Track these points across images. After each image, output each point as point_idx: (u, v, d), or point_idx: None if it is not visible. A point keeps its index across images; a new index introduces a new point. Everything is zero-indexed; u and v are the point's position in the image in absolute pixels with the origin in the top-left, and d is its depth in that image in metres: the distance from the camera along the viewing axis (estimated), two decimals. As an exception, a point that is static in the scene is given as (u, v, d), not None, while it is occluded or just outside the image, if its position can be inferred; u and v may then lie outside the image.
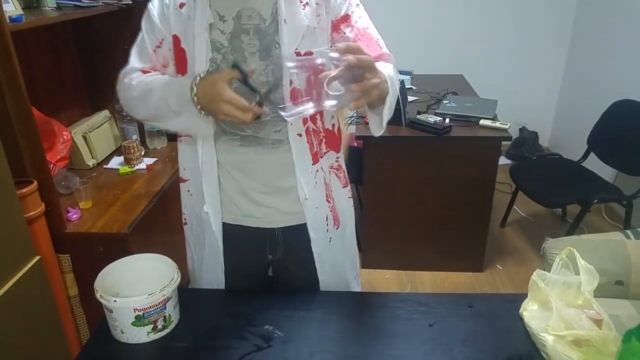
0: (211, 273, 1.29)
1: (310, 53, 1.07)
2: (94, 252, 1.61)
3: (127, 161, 2.10)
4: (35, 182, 1.47)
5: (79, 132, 2.06)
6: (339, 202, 1.28)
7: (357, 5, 1.14)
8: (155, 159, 2.17)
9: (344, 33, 1.11)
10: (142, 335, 1.06)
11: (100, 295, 1.03)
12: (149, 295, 1.03)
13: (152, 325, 1.05)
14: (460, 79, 3.46)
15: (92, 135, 2.12)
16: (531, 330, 1.04)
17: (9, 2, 1.56)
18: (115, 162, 2.15)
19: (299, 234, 1.23)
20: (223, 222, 1.23)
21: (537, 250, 2.74)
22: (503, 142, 2.50)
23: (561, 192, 2.69)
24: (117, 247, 1.62)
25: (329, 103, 0.91)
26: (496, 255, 2.83)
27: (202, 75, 1.01)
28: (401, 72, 3.14)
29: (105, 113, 2.29)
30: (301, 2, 1.07)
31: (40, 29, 1.98)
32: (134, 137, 2.25)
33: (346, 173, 1.31)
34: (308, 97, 0.94)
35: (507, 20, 3.85)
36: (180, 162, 1.26)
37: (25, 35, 1.86)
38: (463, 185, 2.48)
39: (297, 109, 0.95)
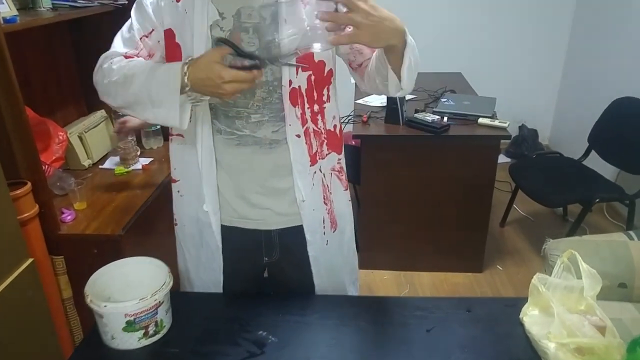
0: (209, 274, 1.27)
1: (311, 54, 1.05)
2: (88, 254, 1.59)
3: (123, 161, 2.08)
4: (29, 184, 1.46)
5: (74, 133, 2.04)
6: (338, 205, 1.26)
7: None
8: (151, 159, 2.15)
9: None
10: (133, 341, 1.04)
11: (91, 300, 1.02)
12: (140, 300, 1.01)
13: (143, 331, 1.03)
14: (459, 76, 3.43)
15: (88, 136, 2.10)
16: (532, 337, 1.02)
17: (3, 3, 1.55)
18: (111, 163, 2.14)
19: (295, 236, 1.22)
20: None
21: (538, 251, 2.71)
22: (502, 140, 2.48)
23: (561, 191, 2.66)
24: (111, 248, 1.60)
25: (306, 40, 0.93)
26: (496, 255, 2.81)
27: (188, 61, 0.99)
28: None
29: (101, 113, 2.27)
30: (302, 1, 1.05)
31: (36, 29, 1.96)
32: (130, 137, 2.23)
33: (346, 175, 1.29)
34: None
35: (505, 16, 3.82)
36: (171, 162, 1.24)
37: (21, 35, 1.85)
38: (462, 184, 2.46)
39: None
